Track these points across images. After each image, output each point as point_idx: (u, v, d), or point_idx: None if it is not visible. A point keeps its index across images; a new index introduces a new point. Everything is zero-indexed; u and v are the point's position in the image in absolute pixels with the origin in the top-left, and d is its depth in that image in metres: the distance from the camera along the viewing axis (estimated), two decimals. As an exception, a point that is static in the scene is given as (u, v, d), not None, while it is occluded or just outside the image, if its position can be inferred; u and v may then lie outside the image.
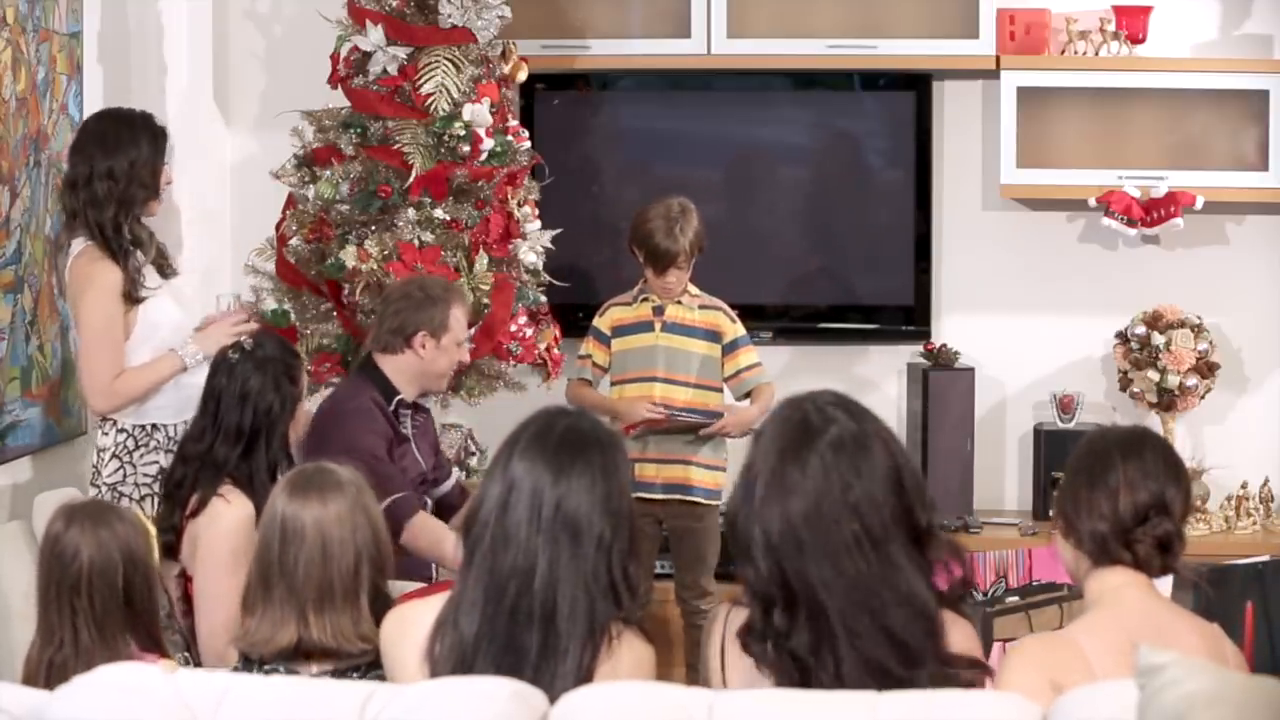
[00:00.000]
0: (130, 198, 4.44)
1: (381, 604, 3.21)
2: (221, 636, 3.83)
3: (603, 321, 5.20)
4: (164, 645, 3.34)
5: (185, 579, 4.01)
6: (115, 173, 4.41)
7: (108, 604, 3.23)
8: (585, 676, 2.81)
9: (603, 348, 5.19)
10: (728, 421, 5.03)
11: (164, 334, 4.48)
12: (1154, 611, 2.88)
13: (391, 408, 4.59)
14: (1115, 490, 2.88)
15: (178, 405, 4.46)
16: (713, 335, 5.12)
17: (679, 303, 5.12)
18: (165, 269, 4.57)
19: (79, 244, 4.42)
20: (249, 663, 3.20)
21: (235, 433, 4.02)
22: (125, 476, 4.46)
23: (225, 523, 3.96)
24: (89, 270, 4.39)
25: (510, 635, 2.81)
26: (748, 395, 5.14)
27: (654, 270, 5.05)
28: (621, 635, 2.85)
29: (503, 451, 2.90)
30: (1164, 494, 2.89)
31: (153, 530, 3.63)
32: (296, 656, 3.17)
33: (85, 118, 4.71)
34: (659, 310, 5.12)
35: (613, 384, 5.18)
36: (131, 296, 4.42)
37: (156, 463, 4.45)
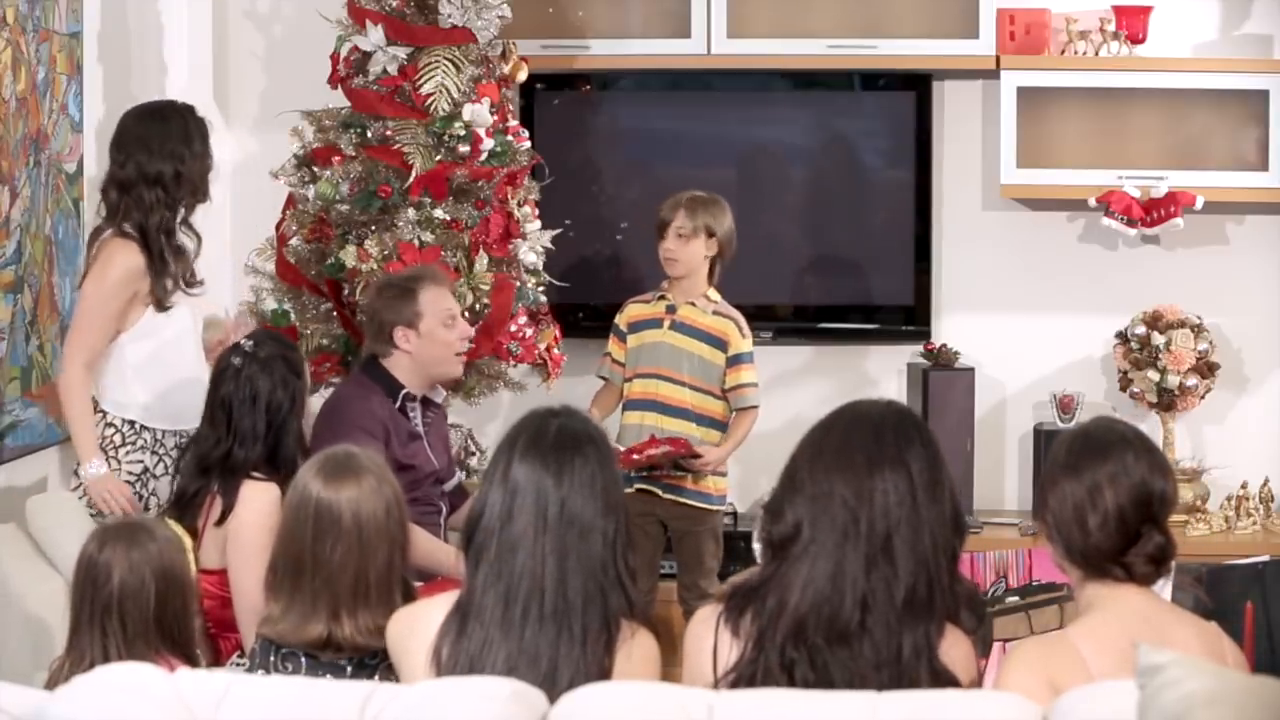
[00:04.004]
0: (177, 203, 4.46)
1: (406, 593, 3.19)
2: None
3: (621, 318, 5.25)
4: (196, 661, 3.29)
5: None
6: (164, 178, 4.42)
7: (138, 625, 3.19)
8: (602, 669, 2.84)
9: (621, 344, 5.23)
10: (710, 459, 5.04)
11: (166, 336, 4.48)
12: (1152, 613, 2.87)
13: (398, 404, 4.59)
14: (1100, 504, 2.83)
15: (165, 413, 4.46)
16: (719, 343, 5.13)
17: (693, 304, 5.13)
18: (191, 283, 4.55)
19: (111, 233, 4.43)
20: (268, 645, 3.18)
21: (252, 436, 4.00)
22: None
23: (258, 504, 3.93)
24: (109, 250, 4.40)
25: (523, 638, 2.84)
26: (742, 409, 5.15)
27: (657, 238, 5.11)
28: (636, 633, 2.90)
29: (500, 457, 2.94)
30: (1149, 496, 2.85)
31: (188, 542, 3.62)
32: (321, 647, 3.14)
33: (125, 112, 4.61)
34: (671, 309, 5.15)
35: (625, 380, 5.20)
36: (160, 304, 4.44)
37: (141, 462, 4.45)
